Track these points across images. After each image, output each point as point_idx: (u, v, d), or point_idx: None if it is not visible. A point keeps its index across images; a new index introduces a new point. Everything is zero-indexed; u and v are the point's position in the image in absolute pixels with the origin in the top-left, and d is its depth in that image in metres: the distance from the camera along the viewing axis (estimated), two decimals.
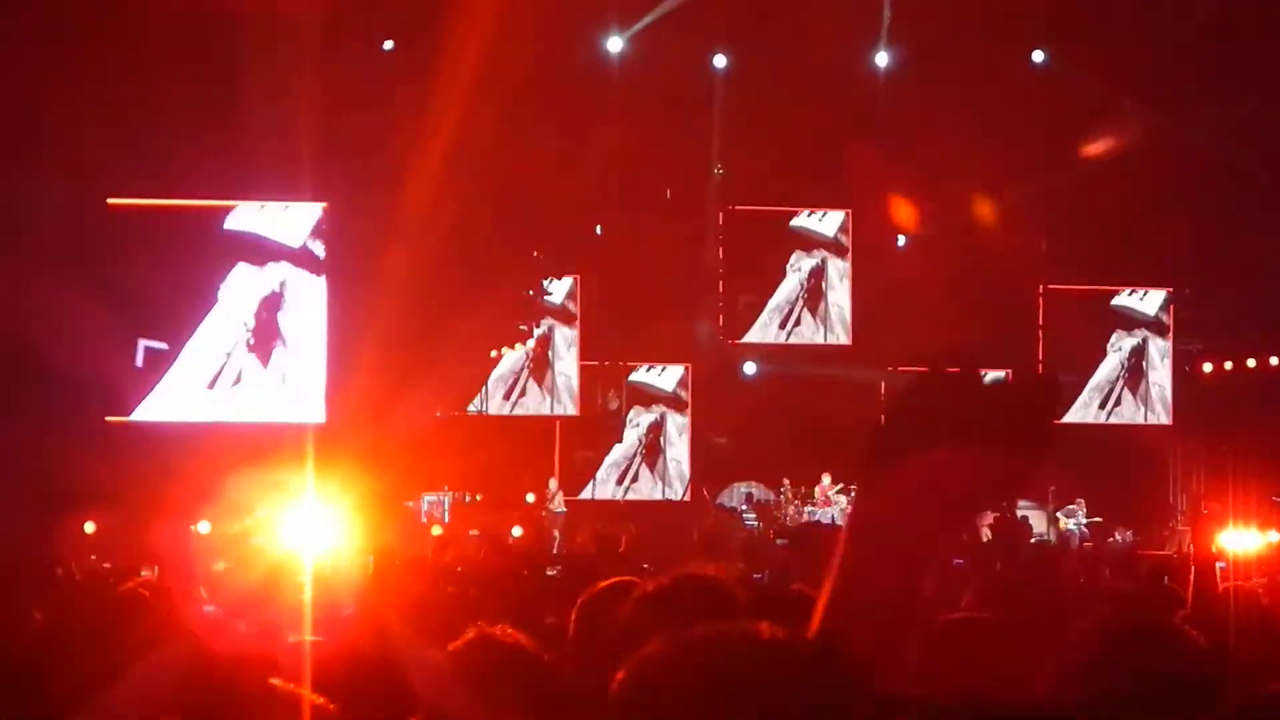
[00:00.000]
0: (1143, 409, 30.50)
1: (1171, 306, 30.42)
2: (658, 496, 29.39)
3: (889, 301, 29.07)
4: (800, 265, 29.96)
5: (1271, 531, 11.93)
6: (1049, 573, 10.38)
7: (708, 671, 2.13)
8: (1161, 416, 30.47)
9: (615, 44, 28.27)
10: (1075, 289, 30.33)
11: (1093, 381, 30.30)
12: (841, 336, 30.06)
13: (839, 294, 30.05)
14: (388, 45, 27.08)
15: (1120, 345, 30.57)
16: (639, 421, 29.58)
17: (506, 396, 29.07)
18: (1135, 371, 30.55)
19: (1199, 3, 26.34)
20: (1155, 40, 26.79)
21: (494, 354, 28.46)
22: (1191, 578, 7.01)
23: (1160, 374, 30.53)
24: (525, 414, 29.16)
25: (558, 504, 27.59)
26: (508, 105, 25.39)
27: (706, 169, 29.42)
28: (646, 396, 29.68)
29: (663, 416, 29.65)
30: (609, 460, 29.49)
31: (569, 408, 29.34)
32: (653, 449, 29.63)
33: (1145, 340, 30.52)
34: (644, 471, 29.67)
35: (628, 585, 4.21)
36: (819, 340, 30.08)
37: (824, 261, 29.97)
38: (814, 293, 30.02)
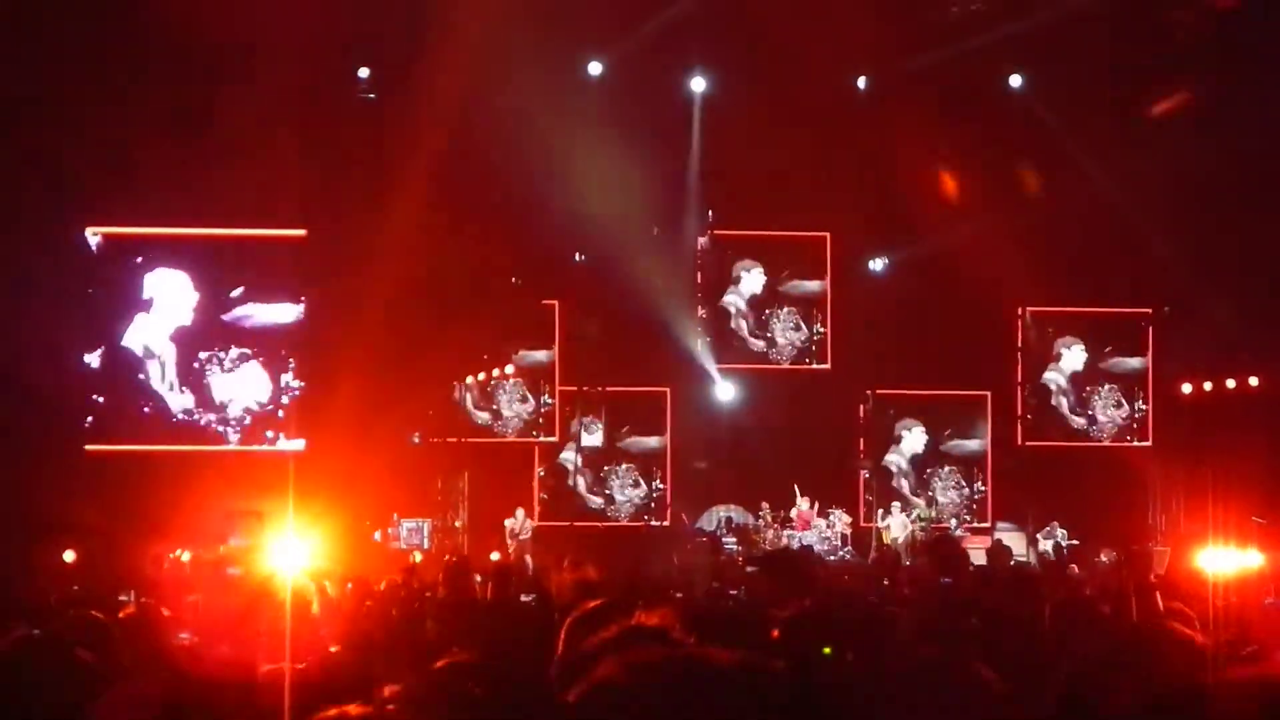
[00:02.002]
0: (1114, 428, 30.44)
1: (1150, 328, 30.41)
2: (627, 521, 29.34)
3: (868, 324, 29.10)
4: (757, 288, 30.01)
5: (1251, 551, 11.96)
6: (1030, 594, 10.37)
7: (656, 696, 2.14)
8: (1135, 436, 30.44)
9: (595, 68, 28.26)
10: (1055, 311, 30.35)
11: (1053, 402, 30.33)
12: (819, 359, 30.01)
13: (805, 315, 30.03)
14: (363, 73, 27.06)
15: (1066, 366, 30.50)
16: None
17: (486, 422, 28.99)
18: (1092, 391, 30.47)
19: (1178, 26, 26.46)
20: (1131, 63, 26.93)
21: (471, 379, 28.43)
22: (1133, 602, 7.16)
23: (1120, 393, 30.47)
24: (503, 439, 29.09)
25: (525, 531, 27.52)
26: (487, 132, 25.42)
27: (687, 192, 29.38)
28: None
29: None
30: (577, 483, 29.37)
31: (549, 433, 29.28)
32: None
33: (1091, 356, 30.48)
34: (618, 494, 29.62)
35: (615, 607, 4.22)
36: (795, 364, 30.01)
37: (788, 282, 29.98)
38: (774, 315, 30.04)
